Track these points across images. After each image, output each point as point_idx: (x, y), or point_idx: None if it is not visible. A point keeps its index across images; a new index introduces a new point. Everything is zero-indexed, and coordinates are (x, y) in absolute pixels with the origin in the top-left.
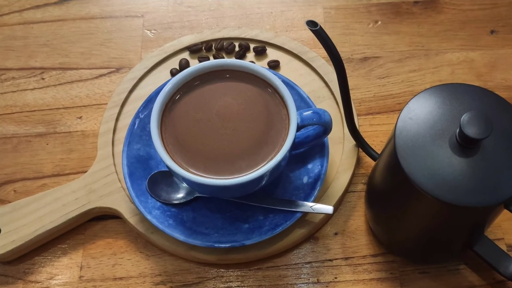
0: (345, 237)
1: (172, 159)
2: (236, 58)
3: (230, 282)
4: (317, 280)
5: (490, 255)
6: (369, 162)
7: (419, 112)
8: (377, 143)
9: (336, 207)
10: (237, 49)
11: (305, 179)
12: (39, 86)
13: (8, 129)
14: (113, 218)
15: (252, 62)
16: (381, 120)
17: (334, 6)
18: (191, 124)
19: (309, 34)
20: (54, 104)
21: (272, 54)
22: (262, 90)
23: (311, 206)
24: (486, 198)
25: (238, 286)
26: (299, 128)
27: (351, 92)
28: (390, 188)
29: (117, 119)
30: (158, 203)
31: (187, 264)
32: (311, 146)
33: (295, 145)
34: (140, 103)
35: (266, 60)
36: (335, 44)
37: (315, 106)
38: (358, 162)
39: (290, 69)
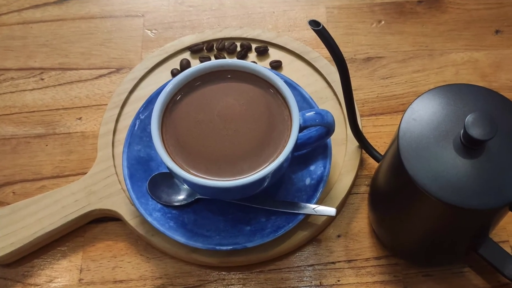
0: (348, 240)
1: (173, 160)
2: (238, 58)
3: (231, 285)
4: (320, 283)
5: (495, 258)
6: (372, 163)
7: (423, 113)
8: (381, 144)
9: (339, 209)
10: (238, 49)
11: (307, 181)
12: (38, 86)
13: (7, 130)
14: (113, 220)
15: (254, 62)
16: (384, 121)
17: (337, 6)
18: (192, 125)
19: (311, 34)
20: (54, 105)
21: (274, 54)
22: (264, 90)
23: (313, 208)
24: (491, 200)
25: None
26: (301, 129)
27: (354, 92)
28: (394, 190)
29: (117, 120)
30: (159, 205)
31: (188, 267)
32: (313, 147)
33: (297, 146)
34: (140, 104)
35: (268, 60)
36: (338, 44)
37: (318, 107)
38: (361, 164)
39: (293, 69)
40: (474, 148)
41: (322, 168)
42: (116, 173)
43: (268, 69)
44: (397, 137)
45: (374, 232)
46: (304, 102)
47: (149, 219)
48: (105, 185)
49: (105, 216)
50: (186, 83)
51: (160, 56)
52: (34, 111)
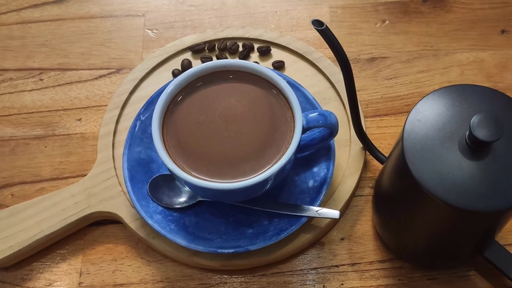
0: (351, 243)
1: (174, 162)
2: (240, 58)
3: None
4: (323, 286)
5: (501, 261)
6: (376, 165)
7: (428, 114)
8: (385, 145)
9: (343, 211)
10: (240, 49)
11: (310, 183)
12: (37, 87)
13: (5, 132)
14: (114, 223)
15: (256, 62)
16: (388, 122)
17: (341, 5)
18: (193, 126)
19: (314, 34)
20: (53, 106)
21: (276, 54)
22: (266, 91)
23: (317, 210)
24: (497, 202)
25: None
26: (304, 130)
27: (358, 93)
28: (398, 192)
29: (117, 121)
30: (160, 208)
31: (189, 270)
32: (317, 149)
33: (300, 148)
34: (141, 104)
35: (270, 61)
36: (341, 44)
37: (321, 108)
38: (365, 166)
39: (295, 69)
40: (479, 149)
41: (325, 170)
42: (116, 175)
43: (271, 69)
44: (401, 139)
45: (378, 235)
46: (307, 103)
47: (150, 221)
48: (105, 187)
49: (105, 218)
50: (188, 84)
51: (161, 56)
52: (33, 112)
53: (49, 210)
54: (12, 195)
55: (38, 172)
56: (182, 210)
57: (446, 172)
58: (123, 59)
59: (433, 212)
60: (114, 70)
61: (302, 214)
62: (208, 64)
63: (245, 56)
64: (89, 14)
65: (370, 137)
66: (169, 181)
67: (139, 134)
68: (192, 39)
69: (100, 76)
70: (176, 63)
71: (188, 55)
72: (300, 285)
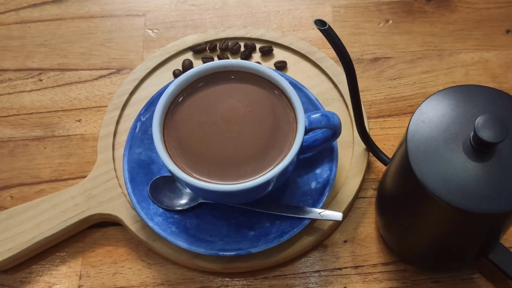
0: (355, 245)
1: (175, 163)
2: (242, 58)
3: None
4: None
5: (505, 264)
6: (379, 166)
7: (432, 115)
8: (388, 147)
9: (346, 213)
10: (242, 49)
11: (313, 185)
12: (36, 87)
13: (4, 133)
14: (114, 225)
15: (258, 62)
16: (392, 123)
17: (344, 5)
18: (194, 127)
19: (317, 34)
20: (52, 107)
21: (279, 54)
22: (268, 92)
23: (319, 212)
24: (502, 204)
25: None
26: (307, 131)
27: (361, 94)
28: (402, 194)
29: (117, 122)
30: (160, 210)
31: (190, 273)
32: (319, 150)
33: (303, 149)
34: (141, 105)
35: (272, 61)
36: (344, 44)
37: (324, 109)
38: (369, 167)
39: (298, 70)
40: (484, 151)
41: (328, 171)
42: (117, 177)
43: (273, 69)
44: (405, 140)
45: (381, 237)
46: (310, 103)
47: (151, 224)
48: (105, 189)
49: (105, 220)
50: (189, 84)
51: (161, 57)
52: (32, 113)
53: (48, 212)
54: (11, 197)
55: (37, 174)
56: (183, 212)
57: (450, 174)
58: (123, 59)
59: (437, 214)
60: (114, 70)
61: (305, 216)
62: (209, 64)
63: (247, 56)
64: (89, 13)
65: (374, 138)
66: (170, 183)
67: (140, 135)
68: (193, 39)
69: (100, 77)
70: (177, 64)
71: (189, 55)
72: None
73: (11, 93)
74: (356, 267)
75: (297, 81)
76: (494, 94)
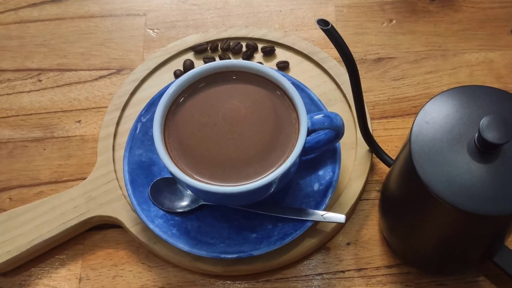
0: (358, 247)
1: (176, 165)
2: (243, 58)
3: None
4: None
5: (510, 266)
6: (383, 168)
7: (436, 115)
8: (392, 148)
9: (349, 215)
10: (244, 49)
11: (316, 186)
12: (35, 88)
13: (3, 134)
14: (114, 227)
15: (260, 63)
16: (396, 124)
17: (347, 4)
18: (196, 128)
19: (320, 34)
20: (52, 107)
21: (281, 54)
22: (270, 92)
23: (322, 214)
24: (507, 206)
25: None
26: (309, 132)
27: (364, 94)
28: (406, 196)
29: (118, 123)
30: (161, 212)
31: (191, 276)
32: (322, 151)
33: (305, 150)
34: (142, 106)
35: (274, 61)
36: (347, 44)
37: (327, 110)
38: (372, 169)
39: (300, 70)
40: (489, 152)
41: (331, 173)
42: (117, 178)
43: (275, 70)
44: (409, 141)
45: (385, 240)
46: (312, 104)
47: (151, 226)
48: (105, 191)
49: (105, 223)
50: (190, 85)
51: (162, 57)
52: (31, 114)
53: (48, 214)
54: (10, 198)
55: (36, 175)
56: (184, 214)
57: (454, 175)
58: (123, 60)
59: (441, 216)
60: (114, 70)
61: (307, 219)
62: (210, 64)
63: (248, 56)
64: (89, 13)
65: (377, 139)
66: (171, 185)
67: (140, 136)
68: (194, 39)
69: (100, 77)
70: (178, 64)
71: (190, 56)
72: None
73: (10, 94)
74: (359, 269)
75: (300, 82)
76: (499, 95)
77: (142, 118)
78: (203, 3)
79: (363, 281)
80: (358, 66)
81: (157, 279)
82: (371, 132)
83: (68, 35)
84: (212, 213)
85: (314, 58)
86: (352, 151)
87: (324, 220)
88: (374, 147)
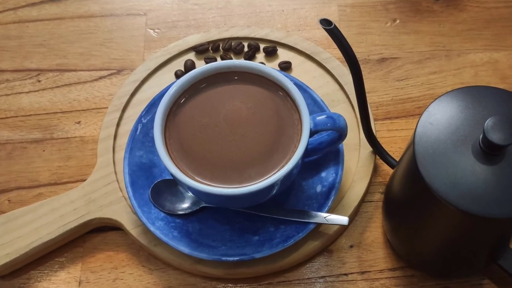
0: (361, 250)
1: (177, 166)
2: (245, 59)
3: None
4: None
5: None
6: (386, 170)
7: (440, 116)
8: (396, 149)
9: (352, 218)
10: (246, 49)
11: (318, 188)
12: (35, 89)
13: (2, 135)
14: (114, 229)
15: (262, 63)
16: (399, 125)
17: (350, 4)
18: (197, 129)
19: (323, 34)
20: (51, 108)
21: (283, 54)
22: (272, 93)
23: (325, 217)
24: None
25: None
26: (312, 133)
27: (367, 95)
28: (409, 198)
29: (118, 124)
30: (162, 214)
31: (192, 279)
32: (325, 153)
33: (308, 152)
34: (142, 107)
35: (277, 61)
36: (350, 44)
37: (329, 110)
38: (375, 170)
39: (303, 70)
40: (493, 153)
41: (334, 175)
42: (117, 180)
43: (277, 70)
44: (412, 142)
45: (388, 242)
46: (315, 105)
47: (152, 228)
48: (105, 193)
49: (105, 225)
50: (191, 85)
51: (163, 57)
52: (30, 115)
53: (47, 216)
54: (9, 200)
55: (35, 177)
56: (185, 216)
57: (459, 177)
58: (124, 60)
59: (446, 219)
60: (114, 71)
61: (310, 221)
62: (212, 65)
63: (250, 56)
64: (89, 13)
65: (380, 140)
66: (172, 187)
67: (141, 137)
68: (196, 39)
69: (100, 78)
70: (179, 64)
71: (191, 56)
72: None
73: (9, 95)
74: (362, 272)
75: (302, 82)
76: (504, 96)
77: (142, 119)
78: (205, 2)
79: (367, 284)
80: (362, 67)
81: (158, 282)
82: (374, 133)
83: (68, 35)
84: (213, 215)
85: (317, 58)
86: (355, 153)
87: (327, 222)
88: (377, 149)
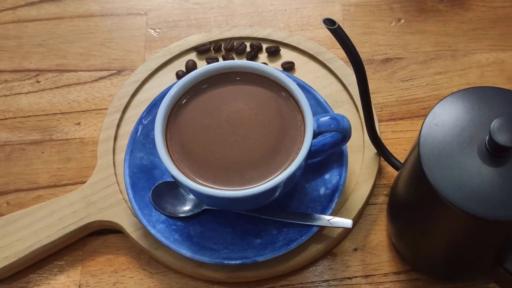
0: (365, 253)
1: (178, 168)
2: (247, 59)
3: None
4: None
5: None
6: (391, 172)
7: (446, 118)
8: (400, 151)
9: (356, 220)
10: (248, 49)
11: (322, 191)
12: (34, 89)
13: (0, 136)
14: (114, 232)
15: (265, 63)
16: (404, 126)
17: (354, 3)
18: (198, 130)
19: (326, 34)
20: (50, 109)
21: (286, 55)
22: (275, 94)
23: (328, 219)
24: None
25: None
26: (315, 135)
27: (372, 96)
28: (414, 200)
29: (118, 126)
30: (163, 217)
31: (194, 283)
32: (328, 154)
33: (311, 153)
34: (143, 108)
35: (279, 62)
36: (354, 44)
37: (333, 111)
38: (380, 172)
39: (306, 71)
40: (500, 155)
41: (337, 176)
42: (117, 182)
43: (280, 70)
44: (417, 144)
45: (393, 245)
46: (319, 106)
47: (153, 231)
48: (105, 195)
49: (105, 228)
50: (192, 86)
51: (164, 57)
52: (29, 116)
53: (46, 219)
54: (7, 203)
55: (34, 179)
56: (187, 219)
57: (464, 179)
58: (124, 60)
59: (451, 221)
60: (114, 71)
61: (313, 224)
62: (214, 65)
63: (253, 56)
64: (89, 12)
65: (385, 142)
66: (173, 189)
67: (141, 139)
68: (197, 39)
69: (100, 78)
70: (180, 64)
71: (193, 56)
72: None
73: (7, 95)
74: (366, 276)
75: (305, 83)
76: (510, 96)
77: (143, 120)
78: (206, 2)
79: None
80: (366, 67)
81: (158, 286)
82: (378, 134)
83: (67, 35)
84: (215, 218)
85: (320, 58)
86: (359, 154)
87: (330, 225)
88: (382, 150)
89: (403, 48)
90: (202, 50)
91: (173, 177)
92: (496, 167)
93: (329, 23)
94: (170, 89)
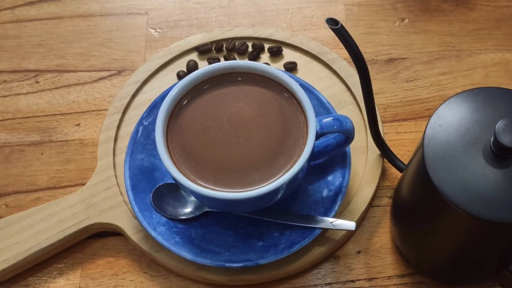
0: (368, 256)
1: (179, 170)
2: (249, 59)
3: None
4: None
5: None
6: (395, 173)
7: (450, 118)
8: (404, 152)
9: (359, 223)
10: (250, 49)
11: (325, 192)
12: (33, 90)
13: None
14: (114, 235)
15: (267, 64)
16: (408, 127)
17: (357, 3)
18: (200, 132)
19: (329, 33)
20: (50, 110)
21: (288, 55)
22: (277, 94)
23: (331, 222)
24: None
25: None
26: (318, 136)
27: (375, 96)
28: (418, 202)
29: (118, 127)
30: (164, 219)
31: (195, 286)
32: (331, 156)
33: (314, 155)
34: (143, 109)
35: (282, 62)
36: (358, 44)
37: (336, 112)
38: (383, 174)
39: (308, 71)
40: (505, 156)
41: (340, 178)
42: (118, 184)
43: (282, 71)
44: (422, 145)
45: (397, 248)
46: (321, 107)
47: (153, 233)
48: (105, 197)
49: (105, 230)
50: (193, 87)
51: (165, 57)
52: (28, 117)
53: (45, 221)
54: (6, 205)
55: (34, 181)
56: (188, 221)
57: (469, 181)
58: (124, 60)
59: (456, 223)
60: (115, 72)
61: (316, 226)
62: (215, 65)
63: (255, 57)
64: (88, 12)
65: (389, 143)
66: (174, 191)
67: (142, 140)
68: (198, 38)
69: (100, 78)
70: (181, 65)
71: (194, 56)
72: None
73: (6, 96)
74: (370, 279)
75: (308, 83)
76: None
77: (143, 121)
78: (207, 1)
79: None
80: (369, 67)
81: None
82: (382, 136)
83: (67, 35)
84: (216, 220)
85: (323, 58)
86: (363, 156)
87: (333, 227)
88: (385, 152)
89: (407, 48)
90: (203, 50)
91: (174, 178)
92: (501, 168)
93: (332, 23)
94: (171, 89)
